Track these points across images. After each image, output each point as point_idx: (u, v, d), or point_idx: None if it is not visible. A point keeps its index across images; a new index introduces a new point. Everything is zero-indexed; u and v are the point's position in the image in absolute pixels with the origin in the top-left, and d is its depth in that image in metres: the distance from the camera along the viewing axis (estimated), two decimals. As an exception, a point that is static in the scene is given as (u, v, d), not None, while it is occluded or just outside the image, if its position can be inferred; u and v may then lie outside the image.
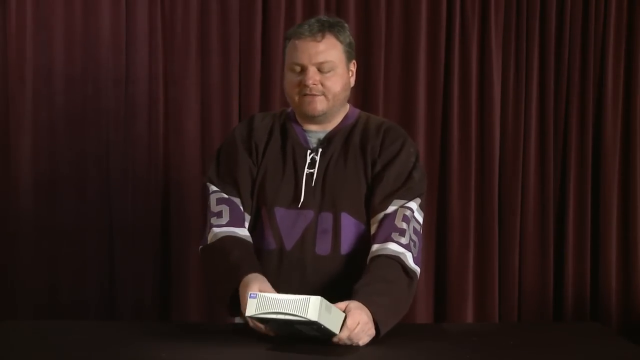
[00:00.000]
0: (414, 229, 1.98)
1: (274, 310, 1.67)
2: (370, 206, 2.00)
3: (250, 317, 1.71)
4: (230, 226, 1.99)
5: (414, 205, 2.00)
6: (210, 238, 2.00)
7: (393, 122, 2.14)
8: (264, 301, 1.68)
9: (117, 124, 3.10)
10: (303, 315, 1.64)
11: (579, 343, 1.84)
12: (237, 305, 1.87)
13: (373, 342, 1.77)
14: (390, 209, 1.97)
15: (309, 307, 1.64)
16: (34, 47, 3.05)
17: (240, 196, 2.03)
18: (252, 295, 1.70)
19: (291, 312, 1.65)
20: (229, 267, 1.93)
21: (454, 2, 3.19)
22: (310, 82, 1.95)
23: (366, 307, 1.77)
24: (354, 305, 1.76)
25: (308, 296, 1.66)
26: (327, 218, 1.97)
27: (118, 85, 3.09)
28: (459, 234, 3.23)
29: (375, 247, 1.95)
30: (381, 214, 1.97)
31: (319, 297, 1.65)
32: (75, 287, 3.09)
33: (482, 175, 3.25)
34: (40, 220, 3.07)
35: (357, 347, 1.74)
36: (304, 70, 1.96)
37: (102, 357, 1.68)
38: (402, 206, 1.97)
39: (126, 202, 3.11)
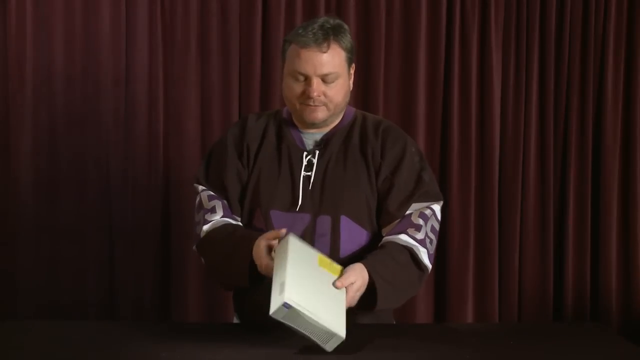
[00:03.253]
0: (432, 227, 1.99)
1: (298, 327, 1.65)
2: (383, 214, 1.99)
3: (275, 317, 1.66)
4: (225, 218, 2.00)
5: (436, 207, 2.01)
6: (207, 229, 1.99)
7: (389, 121, 2.13)
8: (293, 314, 1.63)
9: (117, 124, 3.10)
10: (322, 345, 1.66)
11: (579, 343, 1.84)
12: (254, 274, 1.87)
13: (373, 342, 1.76)
14: (409, 212, 1.98)
15: (330, 342, 1.66)
16: (34, 47, 3.05)
17: (227, 200, 2.02)
18: (286, 304, 1.62)
19: (312, 337, 1.65)
20: (238, 240, 1.92)
21: (454, 2, 3.19)
22: (314, 94, 1.92)
23: (369, 275, 1.83)
24: (358, 267, 1.82)
25: (333, 332, 1.65)
26: (325, 221, 1.95)
27: (118, 85, 3.09)
28: (459, 234, 3.23)
29: (387, 237, 1.96)
30: (398, 220, 1.98)
31: (342, 337, 1.66)
32: (75, 287, 3.09)
33: (482, 175, 3.25)
34: (40, 220, 3.07)
35: (356, 347, 1.74)
36: (307, 80, 1.93)
37: (102, 357, 1.68)
38: (422, 208, 1.98)
39: (126, 202, 3.11)
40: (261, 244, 1.84)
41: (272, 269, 1.76)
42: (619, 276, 3.29)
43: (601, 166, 3.26)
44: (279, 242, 1.82)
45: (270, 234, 1.86)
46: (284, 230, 1.84)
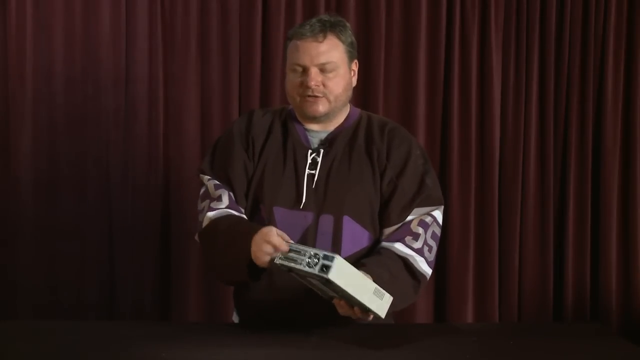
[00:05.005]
0: (433, 233, 1.98)
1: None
2: (385, 217, 1.98)
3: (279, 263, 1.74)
4: (230, 209, 1.98)
5: (437, 213, 2.00)
6: (211, 216, 1.96)
7: (395, 122, 2.13)
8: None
9: (117, 124, 3.10)
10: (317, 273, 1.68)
11: (579, 343, 1.84)
12: (254, 268, 1.85)
13: (373, 342, 1.77)
14: (410, 217, 1.98)
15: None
16: (34, 47, 3.05)
17: (233, 192, 2.01)
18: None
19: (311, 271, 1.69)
20: (240, 231, 1.89)
21: (454, 2, 3.19)
22: (312, 83, 1.94)
23: None
24: None
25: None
26: (327, 220, 1.95)
27: (118, 85, 3.09)
28: (459, 234, 3.23)
29: (384, 243, 1.96)
30: (400, 224, 1.98)
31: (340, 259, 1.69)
32: (75, 287, 3.09)
33: (482, 175, 3.25)
34: (40, 220, 3.07)
35: (356, 347, 1.74)
36: (305, 71, 1.95)
37: (102, 357, 1.68)
38: (423, 214, 1.98)
39: (126, 202, 3.11)
40: (263, 231, 1.80)
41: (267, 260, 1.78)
42: (619, 276, 3.29)
43: (601, 166, 3.26)
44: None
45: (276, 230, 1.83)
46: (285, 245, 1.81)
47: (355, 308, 1.76)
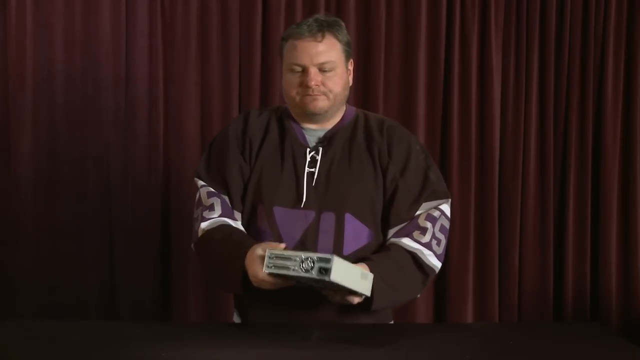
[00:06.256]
0: (442, 226, 2.00)
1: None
2: (392, 216, 1.99)
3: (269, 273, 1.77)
4: (223, 217, 1.99)
5: (444, 206, 2.02)
6: (204, 228, 1.98)
7: (391, 119, 2.15)
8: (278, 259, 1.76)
9: (117, 124, 3.10)
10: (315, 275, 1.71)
11: (579, 343, 1.84)
12: (248, 282, 1.86)
13: (373, 342, 1.77)
14: (418, 213, 1.99)
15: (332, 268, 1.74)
16: (34, 47, 3.05)
17: (229, 195, 2.02)
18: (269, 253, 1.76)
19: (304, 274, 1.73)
20: (233, 245, 1.91)
21: (454, 2, 3.19)
22: (312, 83, 1.94)
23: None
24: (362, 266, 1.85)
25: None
26: (329, 218, 1.96)
27: (118, 85, 3.09)
28: (459, 234, 3.23)
29: (392, 239, 1.98)
30: (408, 221, 1.99)
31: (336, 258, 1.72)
32: (75, 287, 3.09)
33: (482, 175, 3.25)
34: (40, 220, 3.07)
35: (356, 347, 1.74)
36: (305, 70, 1.95)
37: (102, 357, 1.68)
38: (430, 208, 1.99)
39: (126, 202, 3.11)
40: (256, 252, 1.83)
41: (262, 280, 1.79)
42: (619, 276, 3.29)
43: (601, 166, 3.26)
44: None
45: (267, 244, 1.85)
46: (283, 245, 1.85)
47: (346, 295, 1.82)
